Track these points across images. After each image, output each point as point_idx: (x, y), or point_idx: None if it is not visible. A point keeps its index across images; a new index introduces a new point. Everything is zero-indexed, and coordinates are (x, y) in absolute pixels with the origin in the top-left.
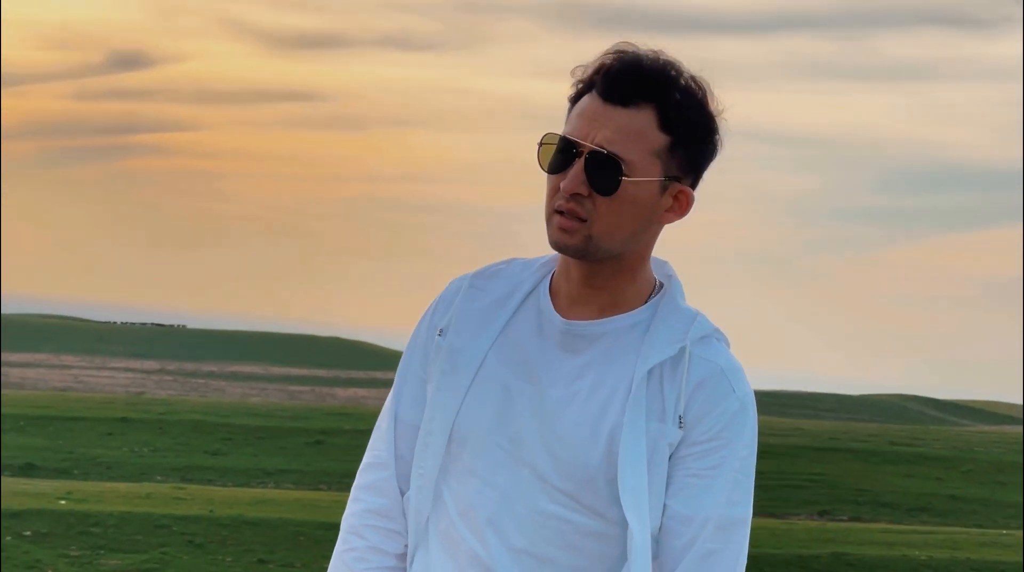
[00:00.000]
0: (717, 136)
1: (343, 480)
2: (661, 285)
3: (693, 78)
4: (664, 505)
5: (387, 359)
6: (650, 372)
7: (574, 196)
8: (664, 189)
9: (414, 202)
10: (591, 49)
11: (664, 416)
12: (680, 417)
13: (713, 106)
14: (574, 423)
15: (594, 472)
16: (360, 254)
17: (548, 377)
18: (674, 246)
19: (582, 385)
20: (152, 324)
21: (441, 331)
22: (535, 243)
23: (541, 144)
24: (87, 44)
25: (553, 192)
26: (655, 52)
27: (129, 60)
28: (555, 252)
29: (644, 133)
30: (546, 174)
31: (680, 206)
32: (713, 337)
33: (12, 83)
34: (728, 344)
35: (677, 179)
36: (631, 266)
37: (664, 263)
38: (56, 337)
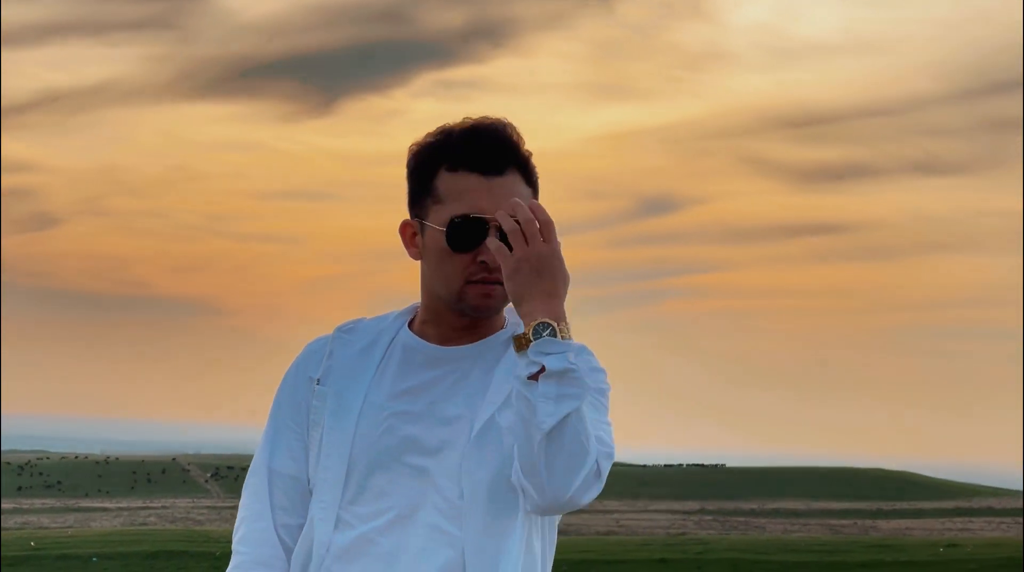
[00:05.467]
0: None
1: None
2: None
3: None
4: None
5: (932, 490)
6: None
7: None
8: None
9: (954, 329)
10: None
11: None
12: None
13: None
14: (457, 419)
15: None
16: (900, 385)
17: (430, 394)
18: None
19: (460, 390)
20: (693, 465)
21: (319, 381)
22: None
23: (448, 227)
24: (617, 193)
25: (465, 265)
26: (499, 120)
27: (657, 205)
28: (403, 307)
29: (520, 193)
30: (449, 251)
31: None
32: None
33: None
34: None
35: None
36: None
37: None
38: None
